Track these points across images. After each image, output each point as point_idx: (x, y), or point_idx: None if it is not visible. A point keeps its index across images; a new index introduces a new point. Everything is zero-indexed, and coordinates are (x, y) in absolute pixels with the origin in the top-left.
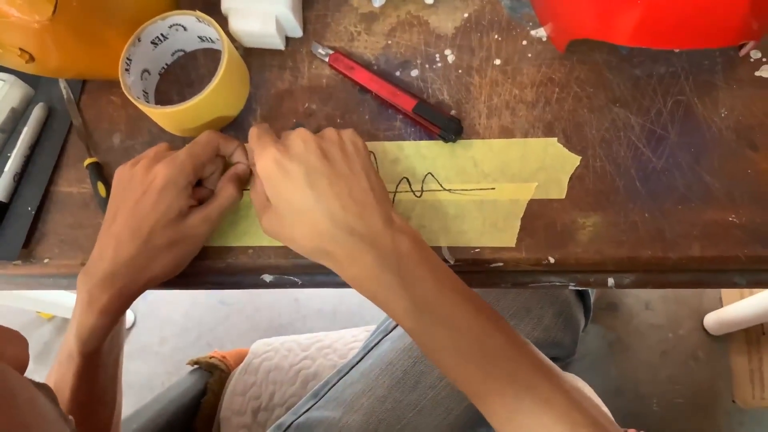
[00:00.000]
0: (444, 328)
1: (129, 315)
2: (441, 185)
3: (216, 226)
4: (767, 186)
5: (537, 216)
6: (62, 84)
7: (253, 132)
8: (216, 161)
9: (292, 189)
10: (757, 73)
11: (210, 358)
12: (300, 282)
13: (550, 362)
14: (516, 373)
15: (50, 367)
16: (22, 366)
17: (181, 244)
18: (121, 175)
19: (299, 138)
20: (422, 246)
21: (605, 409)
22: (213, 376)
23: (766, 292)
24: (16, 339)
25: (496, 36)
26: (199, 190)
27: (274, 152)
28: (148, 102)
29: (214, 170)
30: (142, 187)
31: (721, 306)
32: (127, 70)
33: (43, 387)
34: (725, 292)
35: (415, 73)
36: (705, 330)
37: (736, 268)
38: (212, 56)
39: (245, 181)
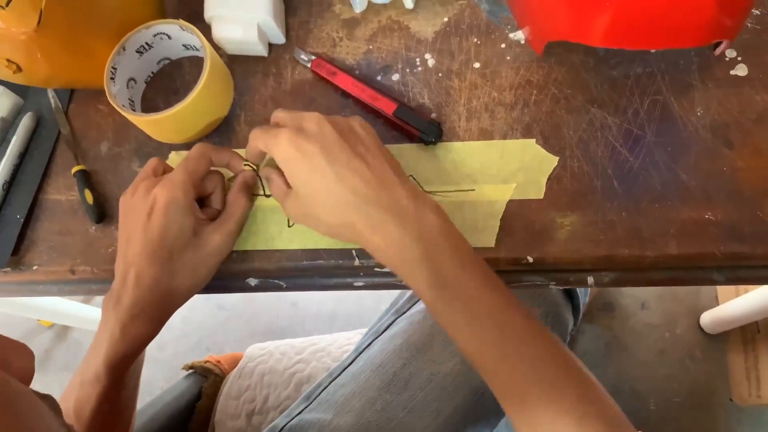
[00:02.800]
0: (463, 304)
1: None
2: (422, 187)
3: (237, 237)
4: (743, 183)
5: (516, 216)
6: (50, 93)
7: (255, 131)
8: (214, 179)
9: (311, 168)
10: (732, 72)
11: (205, 362)
12: (285, 285)
13: (567, 352)
14: (531, 360)
15: (69, 382)
16: (28, 377)
17: (206, 262)
18: (123, 203)
19: (312, 120)
20: (444, 219)
21: None
22: (208, 380)
23: (760, 289)
24: (22, 350)
25: (475, 40)
26: (207, 211)
27: (289, 134)
28: (134, 110)
29: (215, 187)
30: (146, 211)
31: (717, 304)
32: (112, 78)
33: (46, 398)
34: (721, 291)
35: (396, 77)
36: (701, 329)
37: (713, 265)
38: (197, 64)
39: (253, 186)
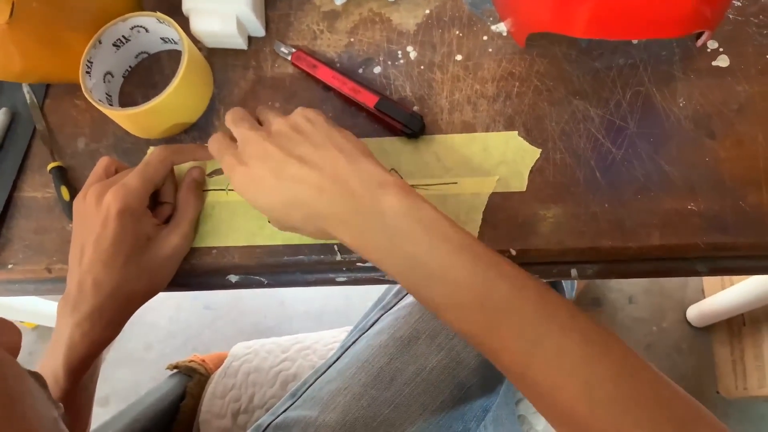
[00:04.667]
0: (438, 283)
1: None
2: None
3: (193, 237)
4: (725, 174)
5: (498, 209)
6: (25, 89)
7: (213, 146)
8: (169, 171)
9: (266, 190)
10: (714, 63)
11: (189, 361)
12: (266, 282)
13: (568, 306)
14: (522, 326)
15: None
16: (14, 352)
17: (164, 265)
18: (76, 207)
19: (252, 143)
20: (407, 196)
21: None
22: (192, 379)
23: (745, 282)
24: (9, 327)
25: (457, 32)
26: (160, 210)
27: (237, 168)
28: (111, 105)
29: (165, 179)
30: (99, 219)
31: (704, 298)
32: (88, 72)
33: (33, 374)
34: (707, 284)
35: (377, 70)
36: (688, 322)
37: (696, 255)
38: (176, 57)
39: (203, 182)
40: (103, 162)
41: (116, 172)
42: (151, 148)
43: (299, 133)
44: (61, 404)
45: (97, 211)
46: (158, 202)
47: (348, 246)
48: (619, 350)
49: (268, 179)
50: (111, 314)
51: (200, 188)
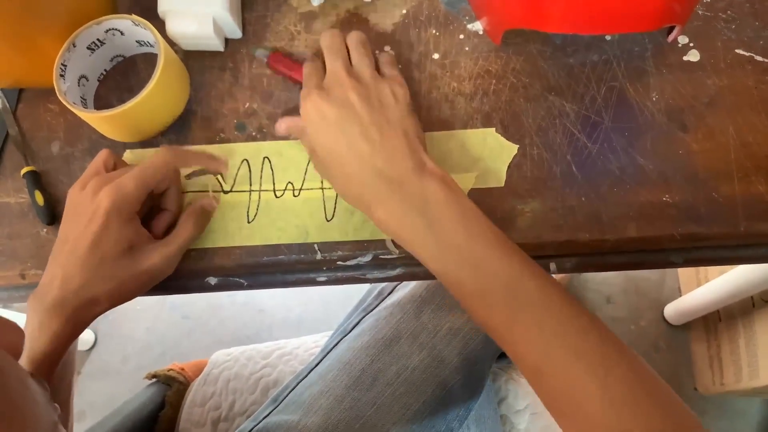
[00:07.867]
0: (470, 271)
1: (89, 335)
2: None
3: (177, 261)
4: (698, 165)
5: (478, 205)
6: None
7: (307, 68)
8: (169, 175)
9: (327, 134)
10: (685, 58)
11: (168, 370)
12: (245, 283)
13: (588, 312)
14: (544, 322)
15: None
16: (16, 353)
17: (136, 279)
18: (71, 197)
19: (338, 84)
20: (452, 189)
21: None
22: (171, 388)
23: (720, 278)
24: (10, 327)
25: (433, 31)
26: (158, 220)
27: (316, 98)
28: (86, 108)
29: (169, 185)
30: (88, 215)
31: (680, 296)
32: (62, 76)
33: (34, 376)
34: (683, 282)
35: None
36: (665, 320)
37: (672, 246)
38: (152, 60)
39: (210, 213)
40: (102, 154)
41: (115, 167)
42: (157, 149)
43: (381, 103)
44: (59, 408)
45: (90, 205)
46: (160, 208)
47: (378, 222)
48: (631, 355)
49: (332, 123)
50: (71, 311)
51: (205, 218)
